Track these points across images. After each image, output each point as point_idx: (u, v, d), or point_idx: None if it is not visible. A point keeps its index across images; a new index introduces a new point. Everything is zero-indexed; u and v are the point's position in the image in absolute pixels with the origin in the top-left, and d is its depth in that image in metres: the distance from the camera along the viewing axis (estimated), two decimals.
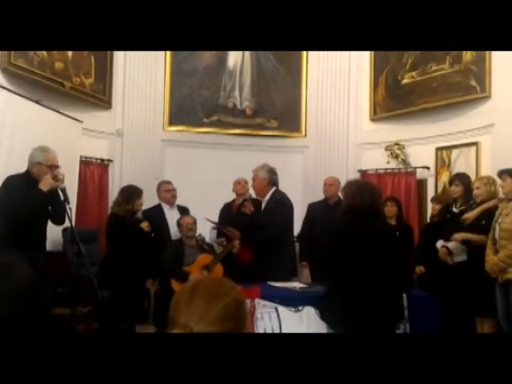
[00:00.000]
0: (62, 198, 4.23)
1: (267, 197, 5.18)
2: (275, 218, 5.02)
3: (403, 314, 3.78)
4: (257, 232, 5.09)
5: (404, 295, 3.98)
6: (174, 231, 5.74)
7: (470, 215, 4.70)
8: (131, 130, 7.52)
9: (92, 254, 5.00)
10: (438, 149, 7.14)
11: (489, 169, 5.93)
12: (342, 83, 8.07)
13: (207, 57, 7.98)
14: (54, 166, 4.24)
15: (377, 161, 7.74)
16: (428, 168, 7.29)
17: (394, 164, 7.59)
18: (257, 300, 3.74)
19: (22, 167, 4.27)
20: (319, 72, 8.13)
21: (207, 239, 5.97)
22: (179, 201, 6.10)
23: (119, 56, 7.39)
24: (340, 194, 5.11)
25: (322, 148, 8.04)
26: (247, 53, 8.11)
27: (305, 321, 3.79)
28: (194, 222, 5.53)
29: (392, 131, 7.63)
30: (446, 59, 6.89)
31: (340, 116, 8.05)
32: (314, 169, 7.93)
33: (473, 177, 5.71)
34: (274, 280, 4.66)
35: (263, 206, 5.22)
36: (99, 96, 7.17)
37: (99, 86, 7.15)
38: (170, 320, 1.37)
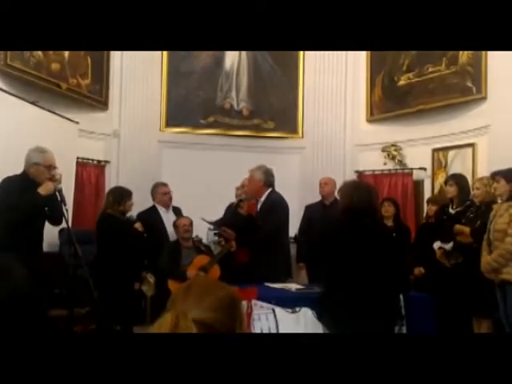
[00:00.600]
0: (58, 198, 4.23)
1: (263, 197, 5.19)
2: (271, 218, 5.02)
3: (401, 315, 3.78)
4: (253, 233, 5.09)
5: (401, 296, 3.99)
6: (170, 233, 5.73)
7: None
8: (128, 131, 7.51)
9: (89, 255, 4.97)
10: (435, 150, 7.15)
11: (485, 170, 5.93)
12: (339, 84, 8.08)
13: (204, 57, 7.98)
14: (51, 167, 4.24)
15: (374, 162, 7.75)
16: (425, 169, 7.30)
17: (390, 165, 7.61)
18: (254, 301, 3.73)
19: (18, 168, 4.26)
20: (316, 73, 8.13)
21: (204, 240, 5.96)
22: (175, 202, 6.09)
23: (116, 57, 7.38)
24: (337, 195, 5.11)
25: (319, 149, 8.05)
26: (244, 53, 8.11)
27: (302, 322, 3.78)
28: (191, 224, 5.52)
29: (389, 132, 7.65)
30: (443, 60, 6.91)
31: (337, 117, 8.06)
32: (310, 170, 7.93)
33: (469, 178, 5.72)
34: (270, 280, 4.66)
35: (259, 206, 5.22)
36: (96, 97, 7.16)
37: (96, 87, 7.14)
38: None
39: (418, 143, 7.37)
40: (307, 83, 8.18)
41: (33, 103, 5.77)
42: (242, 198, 5.50)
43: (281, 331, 3.70)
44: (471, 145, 6.66)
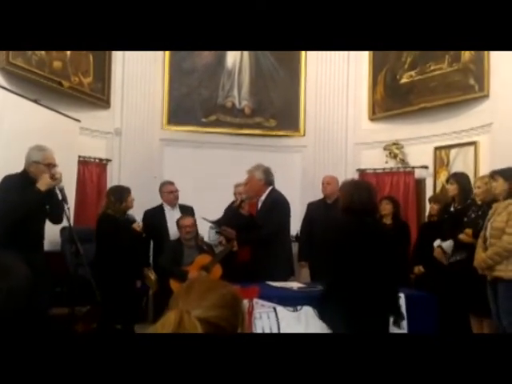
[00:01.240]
0: (60, 197, 4.23)
1: (263, 196, 5.19)
2: (272, 216, 5.02)
3: (401, 314, 3.77)
4: (254, 231, 5.10)
5: (402, 295, 4.00)
6: (174, 232, 5.73)
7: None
8: (130, 130, 7.50)
9: (90, 254, 4.98)
10: (437, 148, 7.14)
11: (487, 168, 5.90)
12: (341, 82, 8.07)
13: (206, 56, 7.96)
14: (51, 165, 4.23)
15: (375, 160, 7.74)
16: (426, 167, 7.29)
17: (392, 163, 7.59)
18: (255, 300, 3.74)
19: (19, 167, 4.26)
20: (318, 71, 8.12)
21: (205, 239, 5.96)
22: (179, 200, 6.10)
23: (118, 55, 7.37)
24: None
25: (321, 147, 8.04)
26: (246, 52, 8.08)
27: (303, 321, 3.79)
28: (194, 224, 5.51)
29: (390, 130, 7.63)
30: (445, 58, 6.89)
31: (338, 115, 8.04)
32: (312, 168, 7.93)
33: (471, 176, 5.71)
34: (272, 279, 4.66)
35: (259, 205, 5.23)
36: (98, 95, 7.15)
37: (98, 85, 7.13)
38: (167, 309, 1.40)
39: (419, 141, 7.35)
40: (309, 81, 8.17)
41: (34, 101, 5.77)
42: (243, 199, 5.50)
43: (282, 330, 3.70)
44: (473, 143, 6.64)
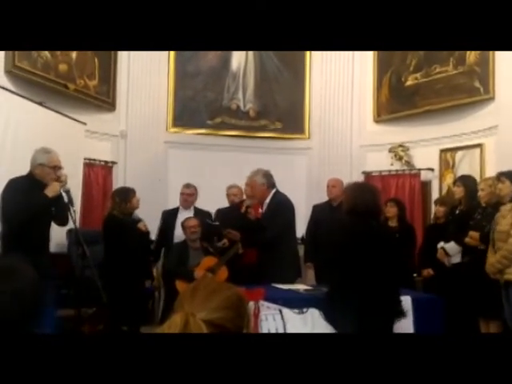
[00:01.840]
0: (65, 199, 4.24)
1: (268, 199, 5.19)
2: (276, 218, 5.02)
3: (402, 311, 3.74)
4: (259, 234, 5.09)
5: (409, 298, 3.99)
6: (179, 234, 5.74)
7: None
8: (135, 132, 7.52)
9: (96, 256, 4.99)
10: (442, 150, 7.13)
11: (493, 170, 5.90)
12: (346, 85, 8.07)
13: (211, 58, 7.98)
14: (56, 167, 4.24)
15: (381, 162, 7.72)
16: (432, 170, 7.28)
17: (397, 166, 7.58)
18: (261, 302, 3.73)
19: (25, 169, 4.27)
20: (323, 73, 8.12)
21: None
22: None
23: (123, 58, 7.39)
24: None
25: (326, 149, 8.03)
26: (250, 54, 8.11)
27: (309, 323, 3.78)
28: (198, 225, 5.51)
29: (396, 133, 7.62)
30: (450, 61, 6.89)
31: (344, 117, 8.04)
32: (317, 170, 7.93)
33: (477, 178, 5.70)
34: (278, 281, 4.66)
35: (264, 208, 5.22)
36: (103, 98, 7.18)
37: (103, 88, 7.15)
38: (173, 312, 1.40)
39: (425, 144, 7.34)
40: (314, 84, 8.17)
41: (40, 104, 5.79)
42: (247, 205, 5.50)
43: (288, 332, 3.69)
44: (479, 145, 6.63)
